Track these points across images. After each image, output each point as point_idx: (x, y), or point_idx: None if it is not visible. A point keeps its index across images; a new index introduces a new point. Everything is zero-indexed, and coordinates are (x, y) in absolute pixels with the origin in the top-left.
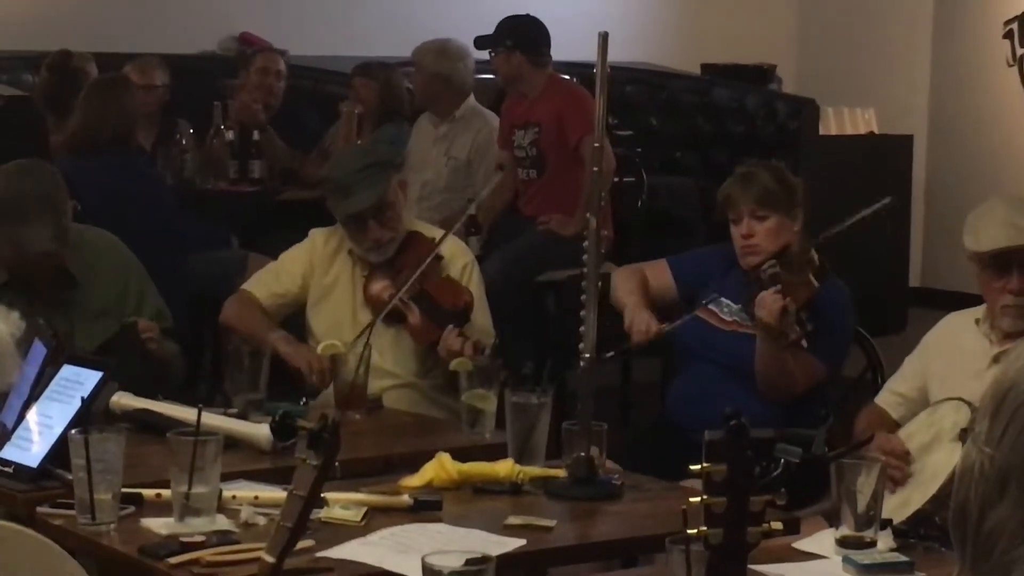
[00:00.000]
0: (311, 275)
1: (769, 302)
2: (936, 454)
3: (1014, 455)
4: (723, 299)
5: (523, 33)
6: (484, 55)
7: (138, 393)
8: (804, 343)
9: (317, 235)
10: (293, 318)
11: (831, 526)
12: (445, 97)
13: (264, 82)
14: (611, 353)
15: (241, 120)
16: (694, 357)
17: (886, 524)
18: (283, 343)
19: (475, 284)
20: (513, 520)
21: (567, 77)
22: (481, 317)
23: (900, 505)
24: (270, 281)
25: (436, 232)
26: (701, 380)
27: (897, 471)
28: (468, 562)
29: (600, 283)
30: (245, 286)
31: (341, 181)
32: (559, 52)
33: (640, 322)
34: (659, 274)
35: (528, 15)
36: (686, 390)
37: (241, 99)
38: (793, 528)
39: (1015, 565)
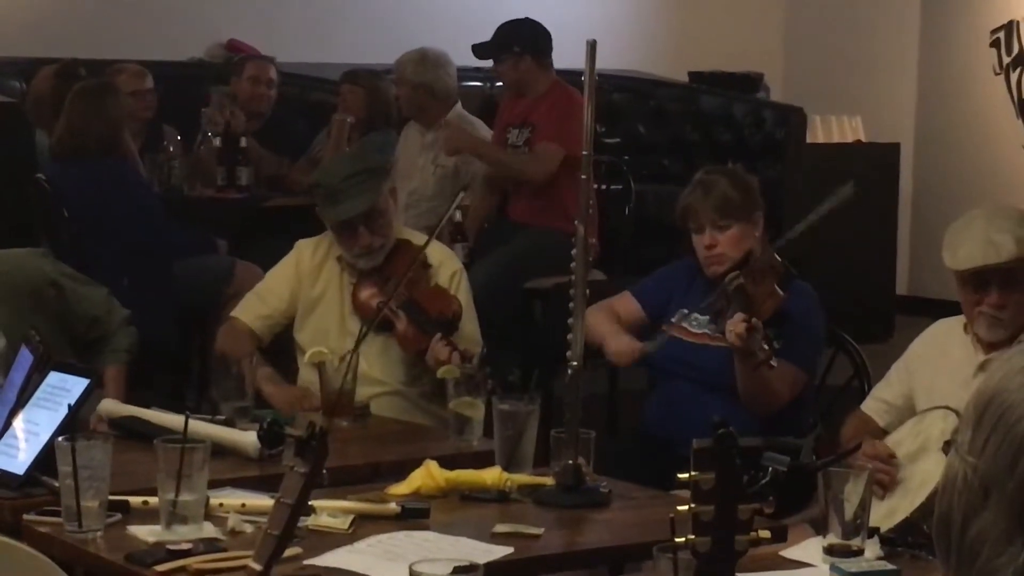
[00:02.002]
0: (299, 289)
1: (734, 325)
2: (923, 463)
3: (996, 464)
4: (686, 311)
5: (529, 37)
6: (470, 62)
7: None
8: (773, 362)
9: (304, 246)
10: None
11: (818, 534)
12: (432, 106)
13: (256, 90)
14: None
15: (225, 129)
16: (667, 373)
17: (873, 532)
18: (266, 383)
19: (463, 292)
20: (501, 528)
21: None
22: (469, 326)
23: (887, 514)
24: (256, 304)
25: (425, 240)
26: (677, 395)
27: (885, 475)
28: (456, 570)
29: (587, 291)
30: (233, 312)
31: (332, 187)
32: None
33: (621, 346)
34: (626, 305)
35: (527, 19)
36: (662, 405)
37: (229, 107)
38: (781, 536)
39: (997, 573)
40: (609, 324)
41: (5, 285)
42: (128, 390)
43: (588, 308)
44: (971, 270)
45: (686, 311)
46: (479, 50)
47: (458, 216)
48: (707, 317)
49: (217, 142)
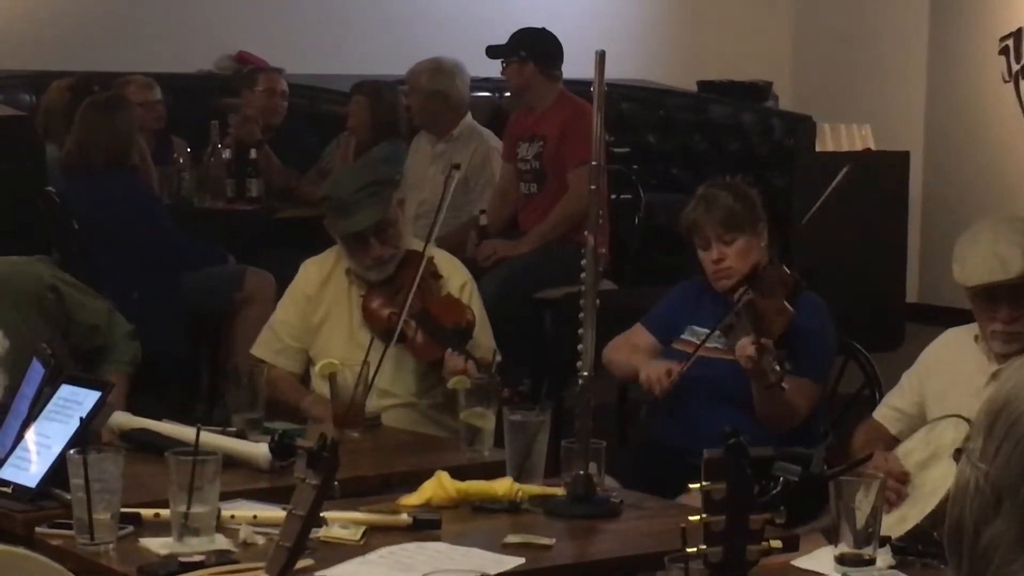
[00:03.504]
0: (307, 311)
1: (744, 349)
2: (934, 470)
3: (1008, 472)
4: (697, 328)
5: (537, 45)
6: (479, 72)
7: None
8: (784, 384)
9: (309, 265)
10: None
11: (830, 543)
12: (444, 115)
13: (270, 103)
14: (643, 411)
15: (240, 138)
16: (679, 385)
17: (885, 541)
18: (315, 407)
19: (475, 303)
20: (512, 538)
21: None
22: (483, 336)
23: (898, 521)
24: (271, 339)
25: (434, 251)
26: (689, 407)
27: (892, 492)
28: None
29: (598, 301)
30: (252, 350)
31: (341, 200)
32: None
33: (657, 371)
34: (639, 336)
35: (543, 28)
36: (674, 418)
37: (242, 116)
38: (792, 546)
39: None
40: (638, 353)
41: (5, 289)
42: (129, 403)
43: (607, 347)
44: (980, 286)
45: (697, 327)
46: (491, 50)
47: (483, 220)
48: (718, 332)
49: (227, 154)
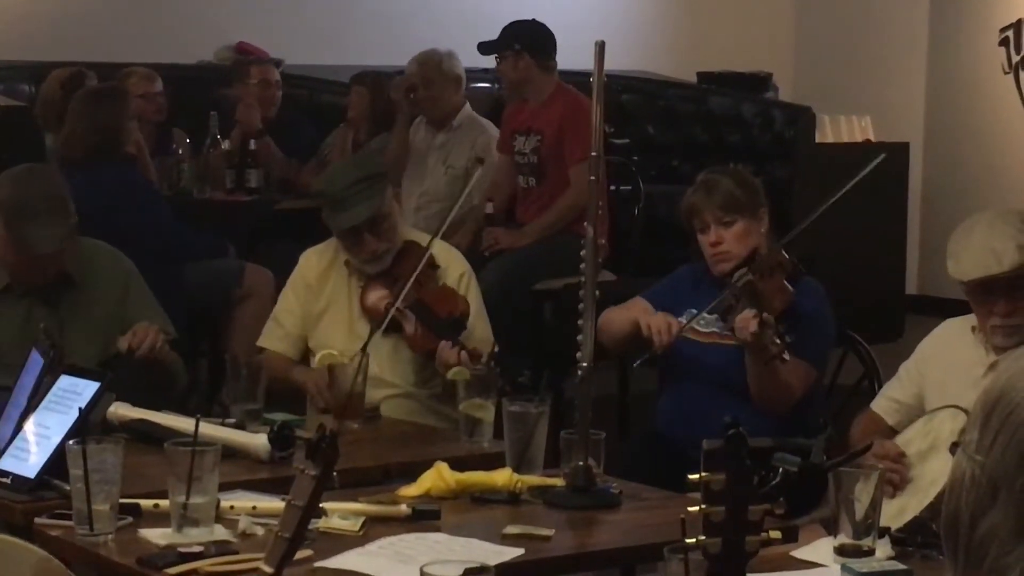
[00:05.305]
0: (308, 300)
1: (745, 321)
2: (933, 462)
3: (1004, 463)
4: (694, 311)
5: (530, 36)
6: (479, 63)
7: (140, 403)
8: (786, 356)
9: (309, 255)
10: None
11: (829, 534)
12: (454, 101)
13: (264, 93)
14: (638, 362)
15: (245, 129)
16: (679, 374)
17: (884, 532)
18: (298, 372)
19: (473, 294)
20: (511, 529)
21: (574, 89)
22: (480, 327)
23: (897, 512)
24: (274, 328)
25: (434, 241)
26: (689, 396)
27: (895, 475)
28: (467, 572)
29: (597, 292)
30: (259, 341)
31: (336, 195)
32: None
33: (659, 322)
34: (638, 307)
35: (533, 20)
36: (675, 407)
37: (245, 106)
38: (791, 537)
39: (1007, 572)
40: (634, 310)
41: (101, 265)
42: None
43: (603, 315)
44: (975, 281)
45: (694, 311)
46: (483, 47)
47: (489, 208)
48: (715, 316)
49: (226, 144)
